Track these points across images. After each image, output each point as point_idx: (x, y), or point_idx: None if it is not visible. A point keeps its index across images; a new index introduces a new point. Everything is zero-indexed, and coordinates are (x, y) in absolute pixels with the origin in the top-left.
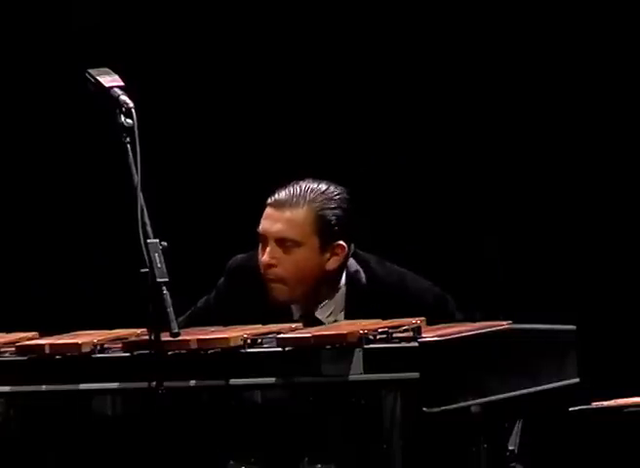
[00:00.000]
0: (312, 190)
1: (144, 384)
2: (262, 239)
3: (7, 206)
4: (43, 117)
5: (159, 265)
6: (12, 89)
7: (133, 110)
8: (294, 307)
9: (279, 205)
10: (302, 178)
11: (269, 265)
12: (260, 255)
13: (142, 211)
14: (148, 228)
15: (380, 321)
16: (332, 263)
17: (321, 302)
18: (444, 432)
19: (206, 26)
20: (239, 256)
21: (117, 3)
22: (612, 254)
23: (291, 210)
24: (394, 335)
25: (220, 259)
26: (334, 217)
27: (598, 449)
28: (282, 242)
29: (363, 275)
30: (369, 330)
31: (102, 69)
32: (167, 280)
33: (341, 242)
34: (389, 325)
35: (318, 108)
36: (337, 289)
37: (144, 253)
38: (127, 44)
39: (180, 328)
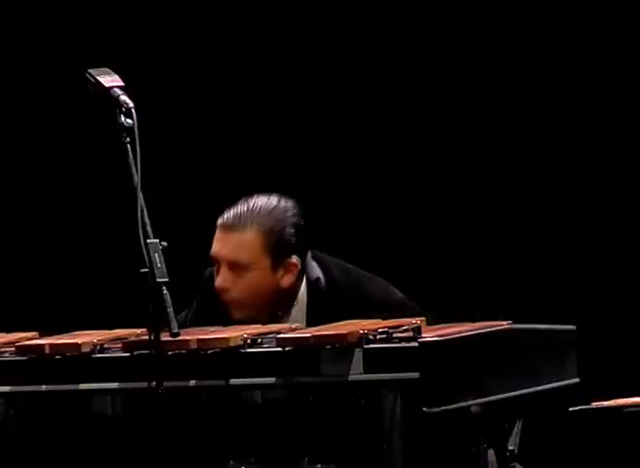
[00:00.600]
0: (260, 209)
1: (144, 384)
2: (215, 261)
3: (7, 206)
4: (43, 117)
5: (159, 265)
6: (12, 89)
7: (133, 110)
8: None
9: (227, 228)
10: (251, 194)
11: (223, 289)
12: (215, 277)
13: (142, 211)
14: (148, 228)
15: (379, 321)
16: (286, 280)
17: (280, 314)
18: (444, 432)
19: (206, 26)
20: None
21: (117, 3)
22: (611, 255)
23: (239, 233)
24: (394, 335)
25: None
26: (283, 235)
27: (598, 449)
28: (233, 265)
29: (323, 281)
30: (369, 330)
31: (102, 69)
32: (167, 280)
33: (294, 258)
34: (389, 325)
35: (314, 109)
36: (295, 299)
37: (144, 253)
38: (127, 44)
39: None
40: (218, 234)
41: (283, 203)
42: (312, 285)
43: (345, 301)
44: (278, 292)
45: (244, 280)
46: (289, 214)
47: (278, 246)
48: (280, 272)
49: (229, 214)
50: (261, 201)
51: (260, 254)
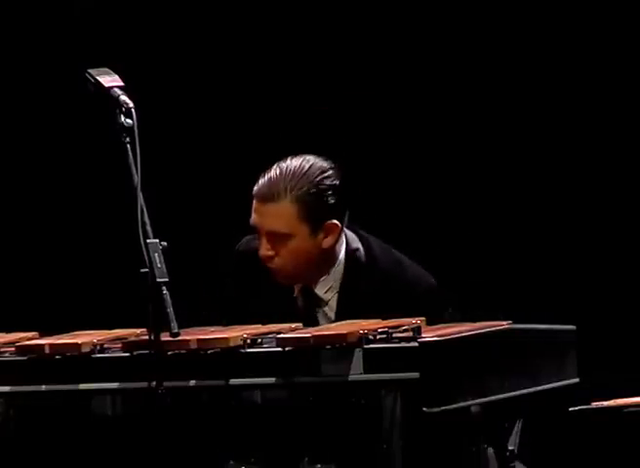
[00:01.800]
0: (293, 174)
1: (144, 384)
2: (256, 230)
3: (7, 206)
4: (43, 117)
5: (159, 265)
6: (12, 89)
7: (133, 110)
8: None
9: (262, 198)
10: (285, 157)
11: (267, 257)
12: (258, 245)
13: (142, 211)
14: (148, 228)
15: (379, 321)
16: (327, 242)
17: (320, 277)
18: (444, 432)
19: (205, 26)
20: (245, 239)
21: (117, 3)
22: (611, 255)
23: (273, 203)
24: (394, 335)
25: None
26: (319, 199)
27: (598, 449)
28: (273, 235)
29: (363, 253)
30: (369, 330)
31: (102, 69)
32: (167, 280)
33: (333, 221)
34: (389, 325)
35: (311, 110)
36: (335, 262)
37: (144, 253)
38: (127, 44)
39: None
40: (254, 204)
41: (318, 164)
42: (351, 254)
43: (384, 278)
44: (321, 254)
45: (286, 248)
46: (324, 175)
47: (314, 210)
48: (320, 235)
49: (263, 182)
50: (294, 164)
51: (297, 223)
